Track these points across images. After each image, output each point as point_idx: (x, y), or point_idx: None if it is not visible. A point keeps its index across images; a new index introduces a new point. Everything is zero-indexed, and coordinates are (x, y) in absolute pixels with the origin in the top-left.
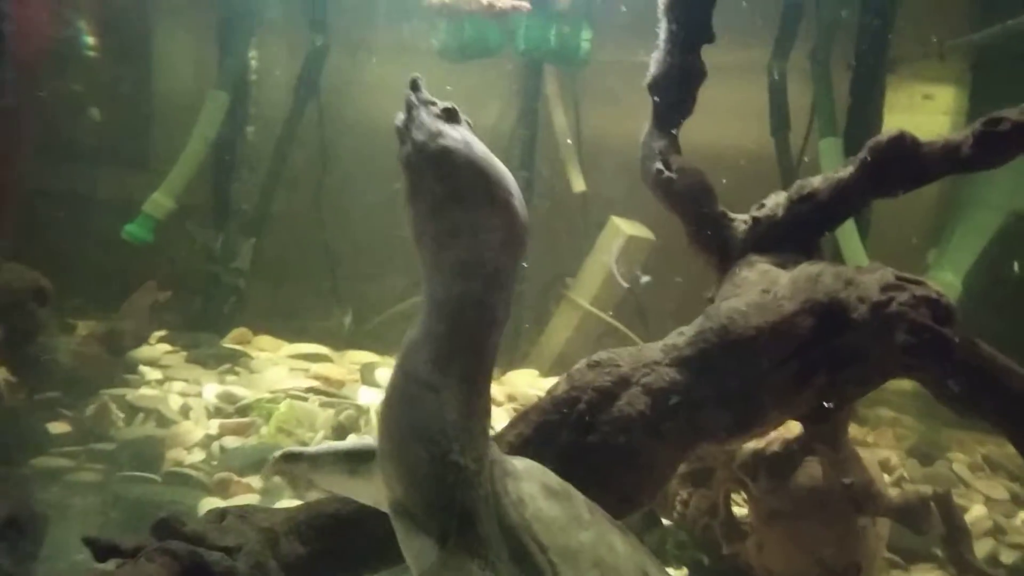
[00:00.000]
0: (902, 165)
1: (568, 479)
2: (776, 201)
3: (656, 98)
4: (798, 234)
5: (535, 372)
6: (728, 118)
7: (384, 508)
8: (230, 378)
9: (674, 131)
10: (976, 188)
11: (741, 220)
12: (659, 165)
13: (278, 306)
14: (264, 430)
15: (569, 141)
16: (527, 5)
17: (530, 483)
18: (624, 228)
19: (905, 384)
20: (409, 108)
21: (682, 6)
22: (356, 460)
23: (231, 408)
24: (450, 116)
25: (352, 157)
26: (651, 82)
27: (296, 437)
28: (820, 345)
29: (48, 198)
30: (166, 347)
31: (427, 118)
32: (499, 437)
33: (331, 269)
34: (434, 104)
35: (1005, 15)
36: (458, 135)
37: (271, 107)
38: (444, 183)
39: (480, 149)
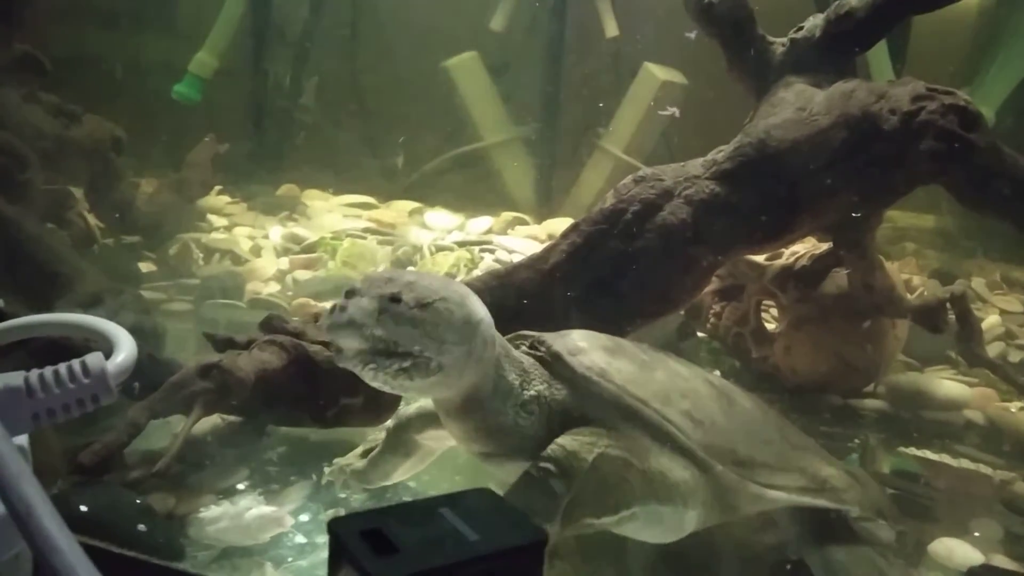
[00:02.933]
0: None
1: (617, 280)
2: (814, 23)
3: None
4: (834, 54)
5: (570, 220)
6: None
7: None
8: (291, 223)
9: None
10: (1017, 18)
11: (780, 43)
12: None
13: (324, 156)
14: (331, 264)
15: None
16: None
17: (597, 353)
18: (659, 74)
19: (927, 220)
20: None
21: None
22: (399, 445)
23: (297, 247)
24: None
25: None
26: None
27: (359, 269)
28: (853, 156)
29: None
30: (226, 198)
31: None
32: (553, 246)
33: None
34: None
35: None
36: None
37: None
38: None
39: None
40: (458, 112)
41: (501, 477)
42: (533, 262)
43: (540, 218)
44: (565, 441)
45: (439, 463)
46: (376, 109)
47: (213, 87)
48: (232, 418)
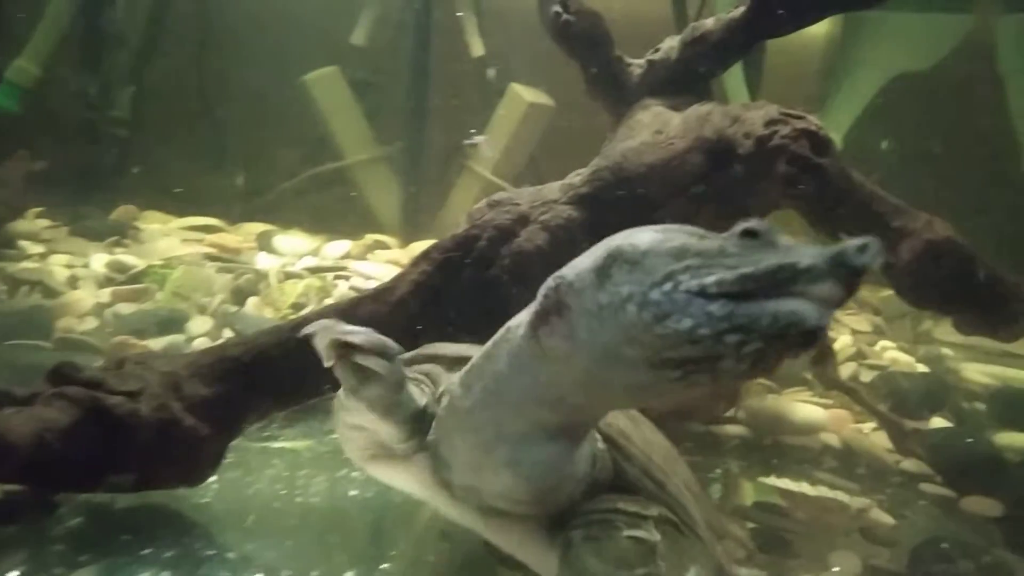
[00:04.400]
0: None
1: (472, 311)
2: (671, 44)
3: None
4: (691, 76)
5: None
6: None
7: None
8: (118, 250)
9: None
10: (860, 49)
11: (637, 64)
12: (557, 8)
13: (164, 173)
14: (159, 295)
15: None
16: None
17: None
18: (525, 95)
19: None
20: None
21: None
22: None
23: (122, 277)
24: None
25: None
26: None
27: (193, 301)
28: (709, 179)
29: None
30: (46, 222)
31: None
32: (402, 276)
33: (218, 134)
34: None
35: None
36: None
37: None
38: None
39: None
40: (318, 129)
41: (498, 540)
42: (379, 294)
43: (407, 240)
44: (620, 503)
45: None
46: (226, 125)
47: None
48: (13, 487)
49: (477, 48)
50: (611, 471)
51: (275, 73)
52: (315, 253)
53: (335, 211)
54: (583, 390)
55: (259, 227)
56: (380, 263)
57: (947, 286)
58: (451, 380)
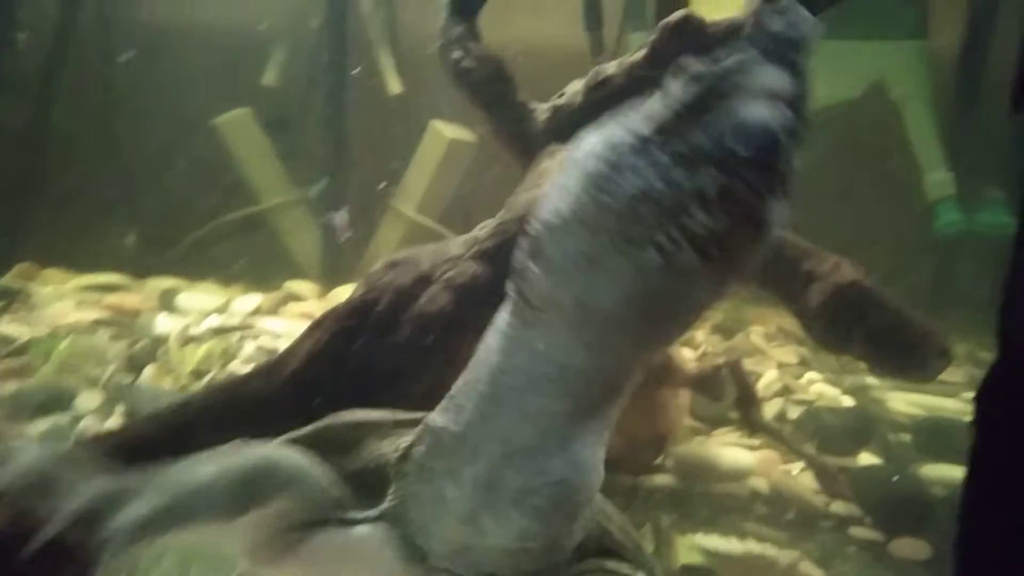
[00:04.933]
0: (690, 45)
1: (372, 382)
2: (575, 89)
3: None
4: (595, 122)
5: None
6: (542, 13)
7: None
8: (6, 317)
9: (473, 17)
10: None
11: (542, 109)
12: (458, 53)
13: (64, 231)
14: (44, 369)
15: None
16: None
17: None
18: (446, 132)
19: None
20: None
21: None
22: None
23: (4, 351)
24: None
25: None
26: None
27: (83, 374)
28: None
29: None
30: None
31: None
32: (292, 350)
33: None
34: None
35: None
36: None
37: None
38: None
39: None
40: (232, 173)
41: None
42: (269, 369)
43: (329, 286)
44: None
45: None
46: (134, 176)
47: None
48: None
49: (395, 85)
50: (598, 529)
51: (185, 118)
52: (223, 310)
53: (255, 259)
54: (581, 340)
55: (166, 282)
56: (292, 318)
57: (856, 331)
58: (406, 436)
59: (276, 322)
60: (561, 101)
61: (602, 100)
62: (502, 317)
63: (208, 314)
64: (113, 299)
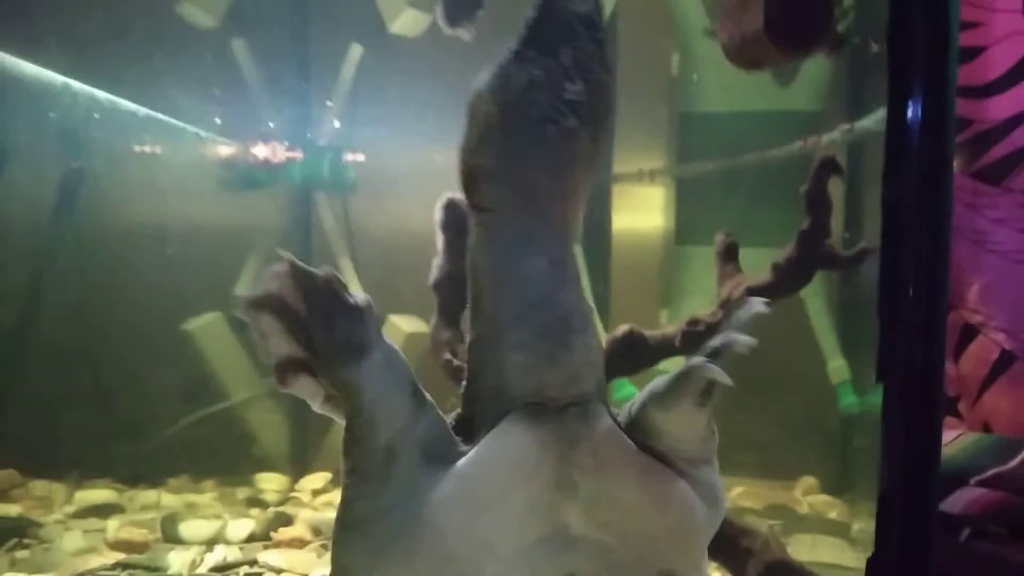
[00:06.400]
0: (635, 354)
1: None
2: None
3: (439, 297)
4: None
5: (327, 475)
6: None
7: None
8: (20, 555)
9: (458, 321)
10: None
11: None
12: (447, 355)
13: (46, 441)
14: None
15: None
16: (299, 154)
17: None
18: (403, 326)
19: None
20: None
21: (455, 225)
22: None
23: None
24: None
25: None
26: (434, 283)
27: None
28: None
29: None
30: None
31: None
32: None
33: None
34: None
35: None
36: None
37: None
38: None
39: None
40: (202, 373)
41: None
42: None
43: (298, 475)
44: None
45: None
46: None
47: None
48: None
49: (356, 288)
50: None
51: (157, 322)
52: (219, 537)
53: (223, 455)
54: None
55: (152, 495)
56: (290, 550)
57: None
58: None
59: (275, 556)
60: None
61: None
62: (474, 249)
63: (210, 542)
64: (119, 533)
